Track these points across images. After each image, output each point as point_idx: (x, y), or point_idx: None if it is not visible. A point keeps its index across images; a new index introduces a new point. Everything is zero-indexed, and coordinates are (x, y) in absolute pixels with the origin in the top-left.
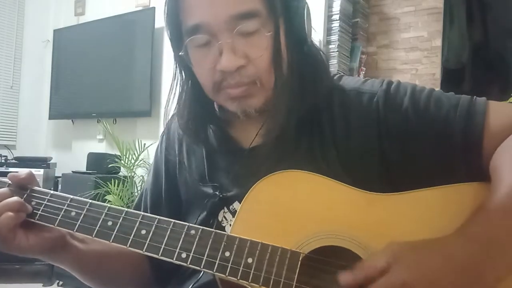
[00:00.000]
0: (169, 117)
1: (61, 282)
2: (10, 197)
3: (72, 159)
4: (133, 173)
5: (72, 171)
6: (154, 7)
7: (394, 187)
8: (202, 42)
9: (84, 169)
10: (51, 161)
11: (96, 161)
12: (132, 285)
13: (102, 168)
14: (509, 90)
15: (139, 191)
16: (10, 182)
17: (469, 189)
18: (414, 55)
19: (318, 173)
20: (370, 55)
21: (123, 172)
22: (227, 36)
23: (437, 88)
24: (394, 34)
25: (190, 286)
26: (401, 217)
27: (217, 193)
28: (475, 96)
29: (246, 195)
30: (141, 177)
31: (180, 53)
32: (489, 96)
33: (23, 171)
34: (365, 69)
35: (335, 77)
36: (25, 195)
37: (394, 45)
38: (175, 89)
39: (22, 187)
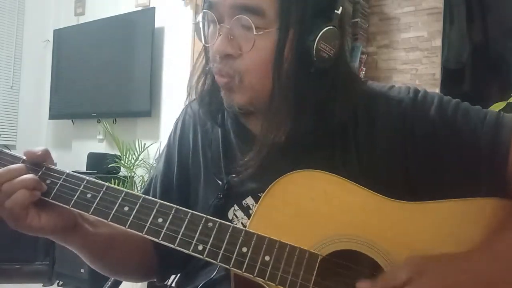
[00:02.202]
0: (191, 98)
1: (61, 282)
2: (25, 173)
3: (72, 159)
4: (133, 173)
5: (72, 171)
6: (154, 7)
7: (415, 196)
8: (211, 19)
9: (84, 169)
10: None
11: (96, 161)
12: (136, 273)
13: (102, 168)
14: (509, 90)
15: (139, 191)
16: (25, 158)
17: (489, 204)
18: (414, 55)
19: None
20: (370, 55)
21: (123, 172)
22: (228, 21)
23: (437, 88)
24: (394, 34)
25: (202, 283)
26: (420, 226)
27: (219, 194)
28: (502, 112)
29: (266, 190)
30: (141, 177)
31: (196, 21)
32: (489, 96)
33: (39, 148)
34: (365, 69)
35: (361, 83)
36: (40, 173)
37: (394, 45)
38: (200, 63)
39: (37, 164)
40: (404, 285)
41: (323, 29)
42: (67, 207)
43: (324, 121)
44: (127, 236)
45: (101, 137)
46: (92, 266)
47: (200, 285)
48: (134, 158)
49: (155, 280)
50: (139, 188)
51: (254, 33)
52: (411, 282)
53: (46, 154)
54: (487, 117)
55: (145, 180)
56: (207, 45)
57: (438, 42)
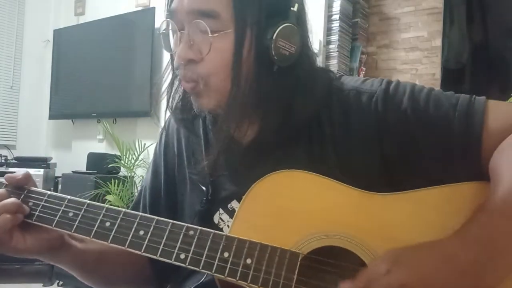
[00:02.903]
0: (165, 114)
1: (61, 282)
2: (7, 198)
3: (72, 159)
4: (133, 173)
5: (72, 171)
6: (154, 7)
7: (393, 187)
8: (173, 28)
9: (84, 169)
10: (51, 161)
11: (96, 161)
12: (132, 284)
13: (102, 168)
14: (509, 90)
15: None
16: (6, 183)
17: (468, 188)
18: (414, 55)
19: (316, 173)
20: (370, 55)
21: (123, 172)
22: (187, 28)
23: (437, 88)
24: (394, 34)
25: (192, 287)
26: (400, 216)
27: (204, 199)
28: (474, 96)
29: (245, 194)
30: (141, 177)
31: (161, 31)
32: (489, 96)
33: (19, 172)
34: (365, 69)
35: (334, 77)
36: (22, 196)
37: (394, 45)
38: (166, 76)
39: (19, 187)
40: (383, 277)
41: (279, 27)
42: (50, 227)
43: (292, 118)
44: (118, 250)
45: (101, 137)
46: (85, 282)
47: None
48: (134, 158)
49: None
50: (139, 188)
51: (210, 35)
52: (389, 273)
53: (27, 177)
54: (459, 103)
55: (144, 178)
56: (171, 52)
57: (438, 42)
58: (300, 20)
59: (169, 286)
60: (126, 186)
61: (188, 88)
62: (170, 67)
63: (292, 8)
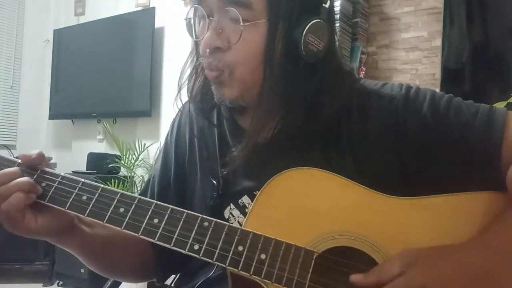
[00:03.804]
0: (181, 95)
1: (61, 282)
2: (21, 177)
3: (72, 159)
4: (133, 173)
5: (72, 171)
6: (154, 7)
7: (409, 192)
8: (201, 15)
9: (84, 169)
10: (51, 161)
11: (96, 161)
12: (136, 273)
13: (102, 168)
14: (509, 90)
15: (139, 191)
16: (20, 161)
17: (484, 197)
18: (414, 55)
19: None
20: (370, 55)
21: (123, 172)
22: (217, 15)
23: (437, 88)
24: (394, 34)
25: (200, 282)
26: (416, 221)
27: (214, 194)
28: (494, 106)
29: (261, 189)
30: (141, 177)
31: (187, 17)
32: (489, 96)
33: (34, 151)
34: (365, 69)
35: (355, 80)
36: (35, 176)
37: (394, 45)
38: (189, 63)
39: (32, 167)
40: (396, 278)
41: (310, 22)
42: (63, 209)
43: (314, 116)
44: (125, 237)
45: (101, 137)
46: (90, 267)
47: (198, 283)
48: (134, 158)
49: (155, 280)
50: (139, 188)
51: (241, 24)
52: (403, 275)
53: (41, 157)
54: (479, 112)
55: (145, 180)
56: (197, 40)
57: (438, 42)
58: (330, 17)
59: (178, 280)
60: (126, 186)
61: (212, 76)
62: (194, 54)
63: (324, 5)
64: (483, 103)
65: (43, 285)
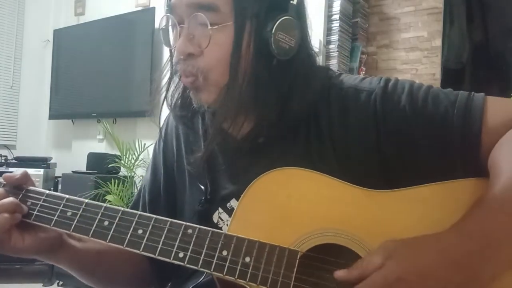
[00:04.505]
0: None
1: (61, 282)
2: (5, 197)
3: (72, 159)
4: (133, 173)
5: (72, 171)
6: (154, 7)
7: (392, 184)
8: (172, 23)
9: (84, 169)
10: (51, 161)
11: (96, 161)
12: (132, 284)
13: (102, 168)
14: (509, 90)
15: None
16: (5, 182)
17: (467, 185)
18: (414, 55)
19: (314, 170)
20: (370, 55)
21: (123, 172)
22: (187, 21)
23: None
24: (394, 34)
25: (191, 287)
26: (399, 213)
27: (202, 199)
28: (473, 92)
29: (243, 193)
30: (141, 177)
31: (161, 27)
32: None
33: (18, 171)
34: (365, 69)
35: (333, 75)
36: (21, 196)
37: (394, 45)
38: (165, 73)
39: (17, 187)
40: (377, 270)
41: (278, 19)
42: (49, 226)
43: (288, 113)
44: (117, 249)
45: (101, 137)
46: (85, 282)
47: None
48: (134, 158)
49: None
50: (138, 188)
51: (209, 28)
52: (384, 267)
53: (25, 176)
54: (458, 99)
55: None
56: (170, 48)
57: (438, 42)
58: (300, 13)
59: (169, 286)
60: (126, 186)
61: (187, 82)
62: (169, 63)
63: (291, 1)
64: (462, 91)
65: (43, 285)
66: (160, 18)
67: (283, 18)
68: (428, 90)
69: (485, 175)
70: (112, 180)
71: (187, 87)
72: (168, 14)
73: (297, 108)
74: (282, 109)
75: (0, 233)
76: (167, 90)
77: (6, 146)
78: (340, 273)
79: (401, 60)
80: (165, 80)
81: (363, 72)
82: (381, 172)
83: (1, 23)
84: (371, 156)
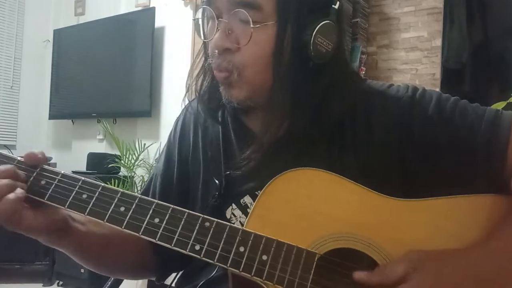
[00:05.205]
0: (190, 95)
1: (61, 282)
2: (14, 175)
3: (72, 159)
4: (133, 173)
5: (72, 171)
6: (154, 7)
7: (412, 193)
8: (210, 15)
9: (84, 169)
10: (51, 161)
11: (96, 161)
12: (134, 272)
13: (102, 168)
14: (509, 90)
15: (139, 191)
16: (19, 159)
17: (487, 200)
18: (414, 55)
19: (335, 173)
20: (370, 55)
21: (123, 172)
22: (226, 16)
23: (437, 88)
24: (394, 34)
25: (202, 282)
26: (417, 223)
27: (216, 194)
28: (501, 110)
29: (263, 189)
30: (141, 177)
31: (196, 17)
32: (489, 96)
33: (38, 151)
34: (365, 69)
35: (360, 81)
36: (35, 174)
37: (394, 45)
38: (200, 60)
39: (34, 166)
40: (400, 280)
41: (320, 23)
42: (63, 208)
43: (321, 118)
44: (122, 236)
45: (101, 137)
46: (87, 267)
47: (200, 284)
48: (134, 158)
49: (154, 279)
50: (139, 188)
51: (251, 26)
52: (407, 278)
53: (44, 157)
54: (486, 114)
55: (145, 180)
56: (206, 40)
57: (438, 42)
58: (340, 18)
59: (180, 280)
60: (126, 186)
61: (221, 77)
62: (202, 54)
63: (333, 6)
64: (465, 95)
65: (43, 285)
66: (160, 18)
67: (324, 22)
68: (456, 103)
69: (507, 191)
70: (112, 180)
71: (216, 81)
72: (206, 6)
73: (332, 114)
74: (316, 113)
75: (16, 206)
76: (198, 81)
77: (6, 146)
78: (360, 275)
79: (401, 60)
80: (196, 72)
81: (363, 72)
82: (403, 179)
83: (1, 23)
84: (394, 163)
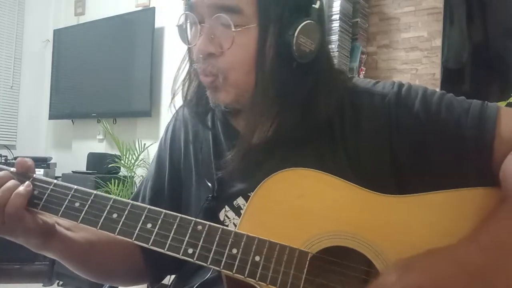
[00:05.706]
0: (175, 101)
1: (61, 282)
2: (8, 180)
3: (72, 159)
4: (133, 173)
5: (72, 171)
6: (154, 7)
7: (403, 190)
8: (192, 21)
9: (84, 169)
10: (51, 161)
11: (96, 161)
12: (126, 277)
13: (102, 168)
14: (509, 90)
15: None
16: (12, 170)
17: (477, 194)
18: (414, 55)
19: (326, 172)
20: (370, 55)
21: (123, 172)
22: (208, 21)
23: (437, 88)
24: (394, 34)
25: (197, 284)
26: (410, 219)
27: (209, 196)
28: (486, 102)
29: (255, 191)
30: (141, 177)
31: (179, 23)
32: (489, 96)
33: (28, 159)
34: (365, 69)
35: (346, 79)
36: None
37: (394, 45)
38: (183, 69)
39: (24, 175)
40: (393, 284)
41: (301, 23)
42: (56, 216)
43: (309, 117)
44: (109, 240)
45: (101, 137)
46: (77, 272)
47: (195, 286)
48: (134, 158)
49: (147, 284)
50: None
51: (233, 30)
52: (401, 278)
53: (33, 164)
54: (471, 108)
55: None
56: (190, 46)
57: (438, 42)
58: (320, 17)
59: (175, 282)
60: (126, 186)
61: (206, 82)
62: (187, 60)
63: (313, 5)
64: (475, 99)
65: (43, 285)
66: (160, 18)
67: (305, 21)
68: (441, 97)
69: (496, 184)
70: (112, 180)
71: (202, 85)
72: (188, 12)
73: (319, 113)
74: (303, 113)
75: (18, 208)
76: (184, 86)
77: (6, 146)
78: None
79: (401, 60)
80: (181, 77)
81: (363, 72)
82: (392, 176)
83: (1, 23)
84: (383, 160)
